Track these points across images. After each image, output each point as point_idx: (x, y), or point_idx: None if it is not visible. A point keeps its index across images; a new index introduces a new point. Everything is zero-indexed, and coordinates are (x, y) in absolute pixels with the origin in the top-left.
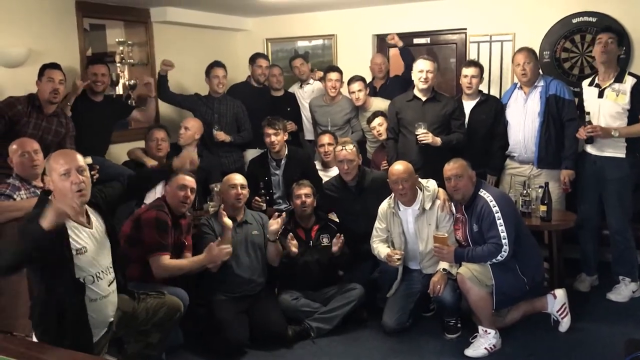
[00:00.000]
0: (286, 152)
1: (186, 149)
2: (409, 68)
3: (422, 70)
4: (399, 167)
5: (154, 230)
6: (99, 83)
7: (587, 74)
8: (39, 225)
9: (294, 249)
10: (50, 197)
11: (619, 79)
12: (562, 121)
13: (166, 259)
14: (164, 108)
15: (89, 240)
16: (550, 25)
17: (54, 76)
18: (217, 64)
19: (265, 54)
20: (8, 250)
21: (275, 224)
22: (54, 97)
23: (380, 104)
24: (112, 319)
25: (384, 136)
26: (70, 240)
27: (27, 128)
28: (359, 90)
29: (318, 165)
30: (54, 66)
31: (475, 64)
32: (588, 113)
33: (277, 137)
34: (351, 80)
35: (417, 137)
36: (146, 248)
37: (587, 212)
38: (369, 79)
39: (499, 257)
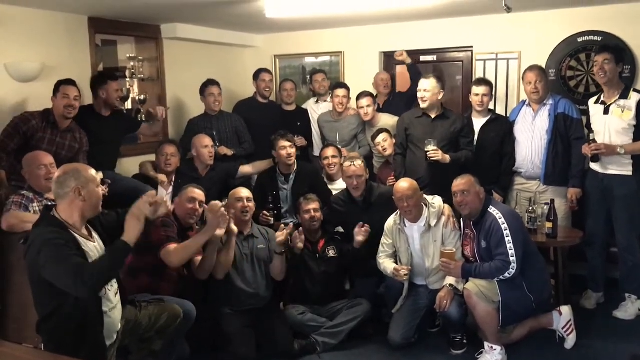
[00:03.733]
0: (295, 167)
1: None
2: (415, 85)
3: (420, 89)
4: (404, 184)
5: (160, 228)
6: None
7: (593, 92)
8: (125, 242)
9: (300, 245)
10: (52, 213)
11: (624, 96)
12: (569, 139)
13: (174, 245)
14: (172, 125)
15: (96, 252)
16: (555, 44)
17: (69, 92)
18: (211, 82)
19: (272, 69)
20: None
21: (281, 236)
22: (69, 112)
23: (388, 120)
24: (120, 327)
25: (388, 152)
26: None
27: (42, 143)
28: (368, 106)
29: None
30: (69, 82)
31: (486, 82)
32: (592, 132)
33: (292, 150)
34: (360, 96)
35: (427, 154)
36: (156, 247)
37: (594, 229)
38: None
39: (506, 274)
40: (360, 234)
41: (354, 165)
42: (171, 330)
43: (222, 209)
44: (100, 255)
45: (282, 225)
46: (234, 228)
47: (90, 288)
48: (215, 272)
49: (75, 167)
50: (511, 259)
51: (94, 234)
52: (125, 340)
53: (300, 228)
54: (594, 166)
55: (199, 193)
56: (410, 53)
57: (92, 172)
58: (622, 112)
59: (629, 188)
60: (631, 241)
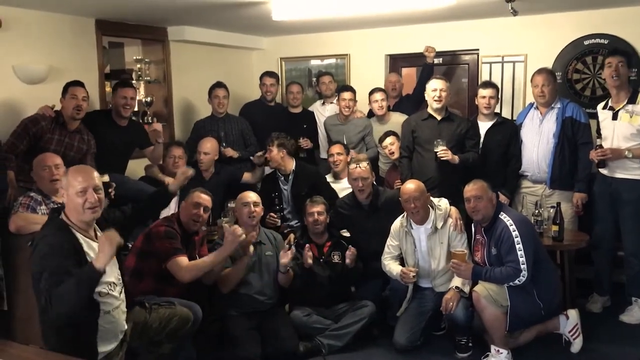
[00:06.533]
0: (293, 168)
1: (179, 170)
2: (423, 87)
3: (435, 89)
4: (411, 185)
5: (164, 239)
6: (127, 107)
7: (599, 95)
8: (94, 269)
9: (310, 261)
10: (61, 216)
11: (632, 100)
12: (576, 144)
13: (185, 260)
14: (179, 127)
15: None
16: (562, 47)
17: (77, 93)
18: (217, 84)
19: (278, 72)
20: (71, 297)
21: (285, 258)
22: (77, 113)
23: (399, 117)
24: (125, 328)
25: (395, 155)
26: (87, 256)
27: (51, 144)
28: (382, 99)
29: (329, 177)
30: (77, 84)
31: (492, 84)
32: (599, 137)
33: (269, 154)
34: (373, 91)
35: (437, 154)
36: (161, 257)
37: (601, 233)
38: None
39: (516, 282)
40: (347, 257)
41: (359, 167)
42: (181, 334)
43: (243, 235)
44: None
45: (286, 247)
46: (251, 249)
47: (55, 312)
48: (221, 285)
49: (69, 169)
50: (522, 266)
51: (99, 234)
52: (134, 342)
53: (308, 245)
54: (602, 170)
55: (205, 198)
56: (416, 56)
57: (84, 177)
58: (631, 117)
59: (637, 192)
60: (638, 246)
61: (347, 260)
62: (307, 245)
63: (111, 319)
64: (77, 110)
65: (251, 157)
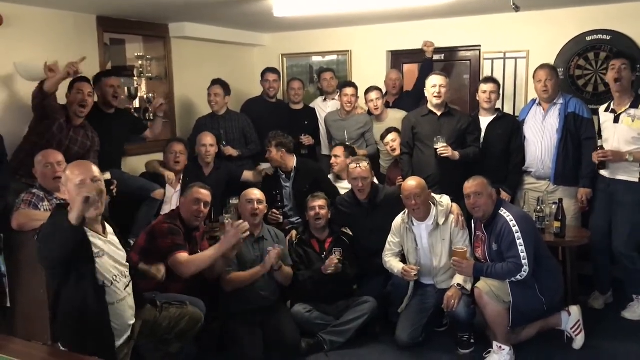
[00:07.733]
0: (294, 165)
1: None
2: (421, 82)
3: (435, 85)
4: (412, 182)
5: (167, 236)
6: (116, 95)
7: (601, 91)
8: (68, 221)
9: (330, 270)
10: (67, 210)
11: (635, 105)
12: (580, 139)
13: (184, 256)
14: (180, 124)
15: (105, 246)
16: (564, 43)
17: (83, 88)
18: (213, 82)
19: (279, 68)
20: (52, 242)
21: (268, 260)
22: (81, 110)
23: (396, 114)
24: (132, 322)
25: (397, 151)
26: (92, 246)
27: (57, 129)
28: (377, 99)
29: (331, 177)
30: (83, 79)
31: (493, 80)
32: (600, 138)
33: (269, 156)
34: (369, 90)
35: (437, 150)
36: (163, 253)
37: (600, 231)
38: None
39: (518, 277)
40: (331, 266)
41: (360, 167)
42: (190, 335)
43: (248, 232)
44: None
45: (271, 249)
46: (272, 257)
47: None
48: (225, 285)
49: (68, 165)
50: (523, 262)
51: (108, 230)
52: (142, 340)
53: (331, 256)
54: (602, 172)
55: (204, 193)
56: (417, 52)
57: (81, 170)
58: (633, 121)
59: (635, 195)
60: (628, 248)
61: (329, 270)
62: (332, 257)
63: (116, 310)
64: (81, 108)
65: (262, 165)
